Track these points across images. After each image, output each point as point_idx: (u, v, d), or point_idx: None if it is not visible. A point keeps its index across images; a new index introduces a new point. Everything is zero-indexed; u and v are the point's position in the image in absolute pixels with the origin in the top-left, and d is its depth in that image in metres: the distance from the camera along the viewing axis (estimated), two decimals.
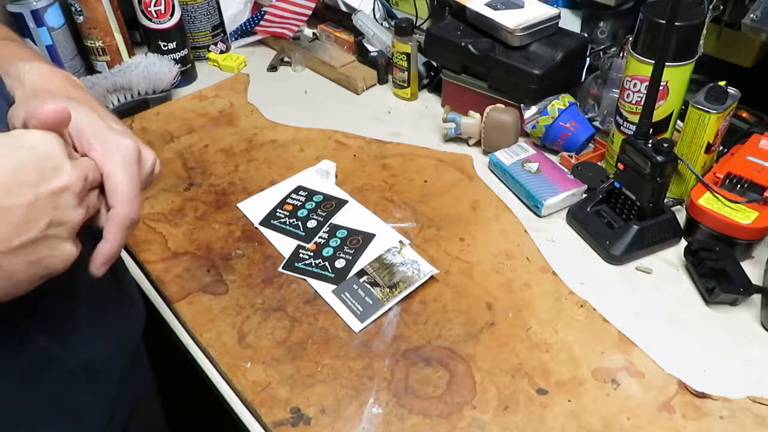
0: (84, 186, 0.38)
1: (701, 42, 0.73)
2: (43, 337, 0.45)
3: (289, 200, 0.82)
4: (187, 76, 1.10)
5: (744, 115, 0.82)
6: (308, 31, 1.21)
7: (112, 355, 0.52)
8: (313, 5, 1.17)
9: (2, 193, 0.34)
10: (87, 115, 0.42)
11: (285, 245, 0.75)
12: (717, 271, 0.66)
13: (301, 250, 0.74)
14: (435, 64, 1.04)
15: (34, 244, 0.36)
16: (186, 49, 1.09)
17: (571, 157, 0.86)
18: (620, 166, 0.73)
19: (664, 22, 0.62)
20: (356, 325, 0.65)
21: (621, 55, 0.89)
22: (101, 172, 0.41)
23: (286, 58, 1.15)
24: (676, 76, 0.73)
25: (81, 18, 1.03)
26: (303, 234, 0.76)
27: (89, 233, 0.41)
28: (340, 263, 0.72)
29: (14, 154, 0.36)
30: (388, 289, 0.68)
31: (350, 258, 0.73)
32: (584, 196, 0.80)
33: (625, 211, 0.74)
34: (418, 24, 1.09)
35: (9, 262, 0.35)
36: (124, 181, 0.41)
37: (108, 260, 0.41)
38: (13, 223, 0.35)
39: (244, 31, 1.22)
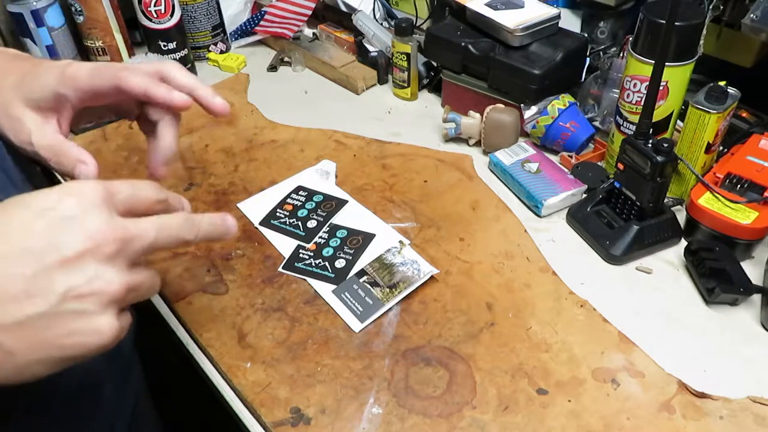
0: (126, 247, 0.33)
1: (701, 42, 0.73)
2: None
3: (289, 200, 0.82)
4: None
5: (744, 115, 0.82)
6: (308, 31, 1.21)
7: (106, 366, 0.52)
8: (313, 5, 1.17)
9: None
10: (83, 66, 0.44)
11: (285, 245, 0.75)
12: (717, 271, 0.66)
13: (301, 250, 0.74)
14: (435, 64, 1.04)
15: (41, 321, 0.31)
16: (186, 49, 1.09)
17: (571, 157, 0.86)
18: (620, 166, 0.73)
19: (664, 22, 0.62)
20: (356, 325, 0.65)
21: (621, 55, 0.89)
22: (161, 75, 0.44)
23: (286, 58, 1.15)
24: (676, 76, 0.73)
25: (81, 18, 1.03)
26: (303, 234, 0.76)
27: None
28: (340, 263, 0.72)
29: (23, 216, 0.31)
30: (388, 289, 0.68)
31: (350, 258, 0.73)
32: (584, 196, 0.80)
33: (625, 211, 0.74)
34: (418, 24, 1.09)
35: (7, 338, 0.31)
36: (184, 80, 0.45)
37: (167, 159, 0.46)
38: (8, 294, 0.30)
39: (244, 31, 1.22)
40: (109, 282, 0.32)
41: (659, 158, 0.67)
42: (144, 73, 0.47)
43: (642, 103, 0.71)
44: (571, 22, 0.97)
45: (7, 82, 0.45)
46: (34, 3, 0.96)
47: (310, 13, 1.17)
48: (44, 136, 0.44)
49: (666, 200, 0.75)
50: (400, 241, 0.74)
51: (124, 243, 0.33)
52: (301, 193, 0.83)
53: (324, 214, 0.79)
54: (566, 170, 0.84)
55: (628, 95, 0.77)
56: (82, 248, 0.32)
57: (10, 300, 0.31)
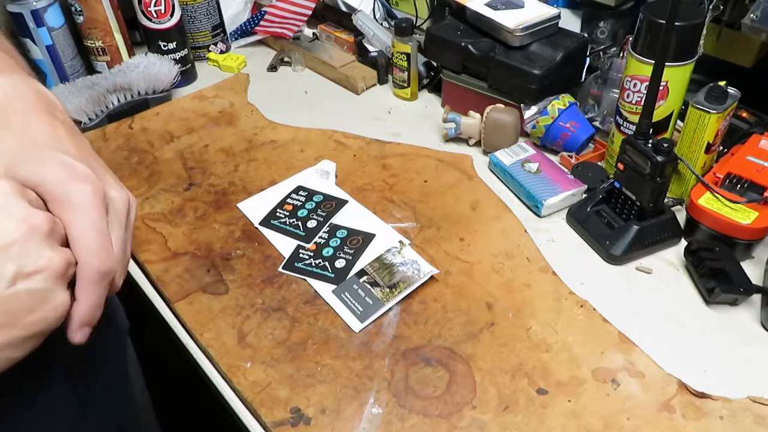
0: (55, 227, 0.35)
1: (701, 42, 0.73)
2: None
3: (289, 200, 0.82)
4: (187, 76, 1.10)
5: (744, 115, 0.82)
6: (308, 31, 1.21)
7: (99, 371, 0.52)
8: (313, 5, 1.17)
9: None
10: (41, 166, 0.36)
11: (285, 245, 0.75)
12: (717, 271, 0.66)
13: (301, 250, 0.74)
14: (435, 64, 1.04)
15: (0, 305, 0.32)
16: (186, 49, 1.09)
17: (571, 157, 0.86)
18: (620, 166, 0.73)
19: (664, 22, 0.62)
20: (356, 325, 0.65)
21: (621, 55, 0.89)
22: (63, 226, 0.36)
23: (286, 58, 1.15)
24: (676, 76, 0.73)
25: (81, 18, 1.03)
26: (303, 234, 0.76)
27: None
28: (340, 263, 0.72)
29: None
30: (388, 289, 0.68)
31: (350, 258, 0.73)
32: (584, 196, 0.80)
33: (625, 211, 0.74)
34: (418, 24, 1.09)
35: None
36: (85, 229, 0.36)
37: (84, 322, 0.37)
38: None
39: (244, 31, 1.22)
40: (50, 258, 0.34)
41: (659, 158, 0.67)
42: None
43: (642, 103, 0.71)
44: (571, 22, 0.97)
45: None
46: (34, 3, 0.96)
47: (310, 13, 1.17)
48: None
49: (666, 200, 0.75)
50: (400, 241, 0.74)
51: (54, 223, 0.35)
52: (301, 193, 0.83)
53: (324, 214, 0.79)
54: (566, 170, 0.84)
55: (628, 95, 0.77)
56: (19, 232, 0.33)
57: None
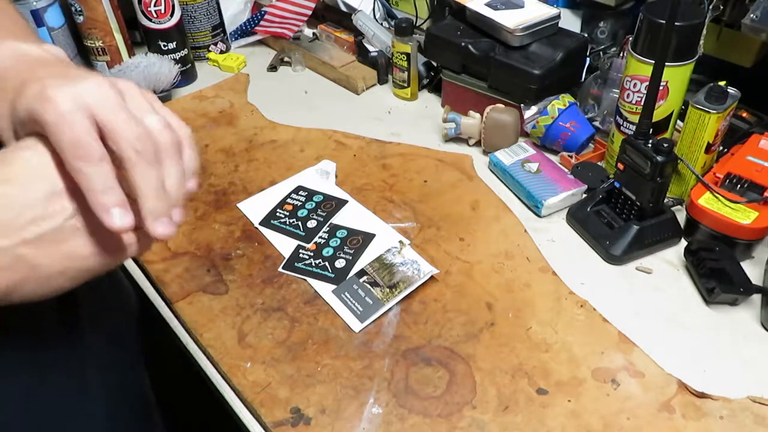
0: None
1: (701, 42, 0.73)
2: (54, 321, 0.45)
3: (289, 200, 0.82)
4: (187, 76, 1.10)
5: (744, 115, 0.82)
6: (308, 31, 1.21)
7: (113, 342, 0.52)
8: (313, 5, 1.17)
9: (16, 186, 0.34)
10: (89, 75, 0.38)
11: (285, 245, 0.75)
12: (717, 271, 0.66)
13: (301, 250, 0.74)
14: (435, 64, 1.04)
15: (59, 233, 0.35)
16: (186, 49, 1.09)
17: (571, 157, 0.86)
18: (620, 166, 0.73)
19: (664, 22, 0.62)
20: (356, 325, 0.65)
21: (621, 55, 0.89)
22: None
23: (286, 58, 1.15)
24: (676, 76, 0.73)
25: (81, 18, 1.03)
26: (303, 234, 0.76)
27: None
28: (340, 263, 0.72)
29: (22, 156, 0.35)
30: (388, 289, 0.68)
31: (350, 258, 0.73)
32: (584, 196, 0.80)
33: (625, 211, 0.74)
34: (418, 24, 1.09)
35: (30, 252, 0.35)
36: (116, 118, 0.35)
37: (155, 212, 0.36)
38: (28, 217, 0.34)
39: (244, 31, 1.22)
40: (63, 207, 0.36)
41: (659, 158, 0.67)
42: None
43: (642, 103, 0.71)
44: (571, 22, 0.97)
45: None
46: (34, 3, 0.96)
47: (310, 13, 1.17)
48: None
49: (666, 200, 0.75)
50: (400, 241, 0.74)
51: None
52: (301, 193, 0.83)
53: (324, 214, 0.79)
54: (566, 170, 0.84)
55: (628, 95, 0.77)
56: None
57: (30, 222, 0.34)
